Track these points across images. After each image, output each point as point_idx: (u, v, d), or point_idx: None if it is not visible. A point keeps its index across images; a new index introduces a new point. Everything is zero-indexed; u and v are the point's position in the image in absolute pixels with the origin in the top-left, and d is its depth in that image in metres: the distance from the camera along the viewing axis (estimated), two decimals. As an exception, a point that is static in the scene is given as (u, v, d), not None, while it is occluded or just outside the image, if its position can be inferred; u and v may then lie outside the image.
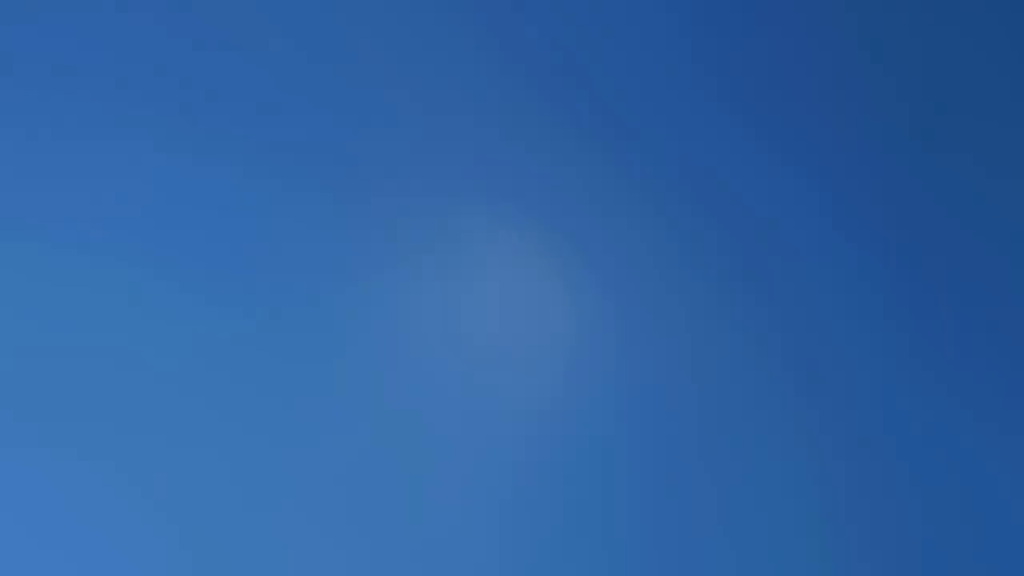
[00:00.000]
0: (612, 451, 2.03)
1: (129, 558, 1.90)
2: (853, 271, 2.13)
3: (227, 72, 1.99)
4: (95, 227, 1.94)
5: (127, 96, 1.96)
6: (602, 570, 2.01)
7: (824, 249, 2.12)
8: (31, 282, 1.92)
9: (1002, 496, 2.13)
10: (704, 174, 2.10)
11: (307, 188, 1.99)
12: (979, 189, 2.18)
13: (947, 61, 2.19)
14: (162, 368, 1.93)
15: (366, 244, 2.00)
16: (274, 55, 2.00)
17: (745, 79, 2.13)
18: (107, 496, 1.90)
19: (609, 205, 2.07)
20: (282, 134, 1.99)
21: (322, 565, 1.95)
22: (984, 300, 2.16)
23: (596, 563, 2.01)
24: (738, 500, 2.06)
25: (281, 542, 1.94)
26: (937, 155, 2.17)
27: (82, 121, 1.95)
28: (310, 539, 1.95)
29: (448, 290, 2.01)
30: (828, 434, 2.09)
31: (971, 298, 2.16)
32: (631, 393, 2.05)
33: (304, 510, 1.95)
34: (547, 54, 2.07)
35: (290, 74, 2.01)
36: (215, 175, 1.97)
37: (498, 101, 2.05)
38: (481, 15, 2.06)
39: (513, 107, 2.05)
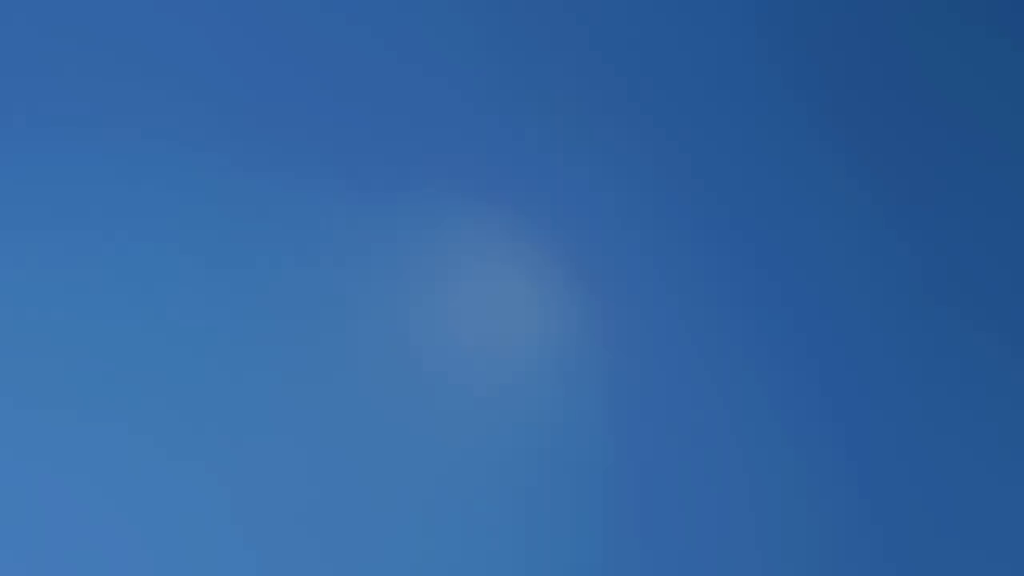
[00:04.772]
0: (601, 454, 2.04)
1: (129, 557, 1.91)
2: (849, 275, 2.12)
3: (230, 69, 1.99)
4: (103, 222, 1.95)
5: (133, 90, 1.97)
6: (586, 572, 2.01)
7: (819, 251, 2.12)
8: (32, 280, 1.93)
9: (1003, 500, 2.12)
10: (700, 176, 2.10)
11: (302, 186, 1.99)
12: (984, 187, 2.17)
13: (945, 56, 2.18)
14: (159, 366, 1.94)
15: (357, 244, 2.00)
16: (275, 51, 2.01)
17: (742, 80, 2.12)
18: (108, 495, 1.91)
19: (603, 207, 2.07)
20: (279, 132, 2.00)
21: (313, 562, 1.95)
22: (986, 304, 2.15)
23: (580, 566, 2.01)
24: (730, 504, 2.06)
25: (274, 540, 1.95)
26: (932, 160, 2.16)
27: (87, 118, 1.96)
28: (303, 536, 1.95)
29: (439, 290, 2.01)
30: (821, 437, 2.09)
31: (970, 301, 2.15)
32: (621, 395, 2.05)
33: (295, 507, 1.95)
34: (541, 54, 2.07)
35: (290, 72, 2.01)
36: (213, 172, 1.98)
37: (493, 102, 2.05)
38: (477, 13, 2.06)
39: (507, 108, 2.05)
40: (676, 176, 2.09)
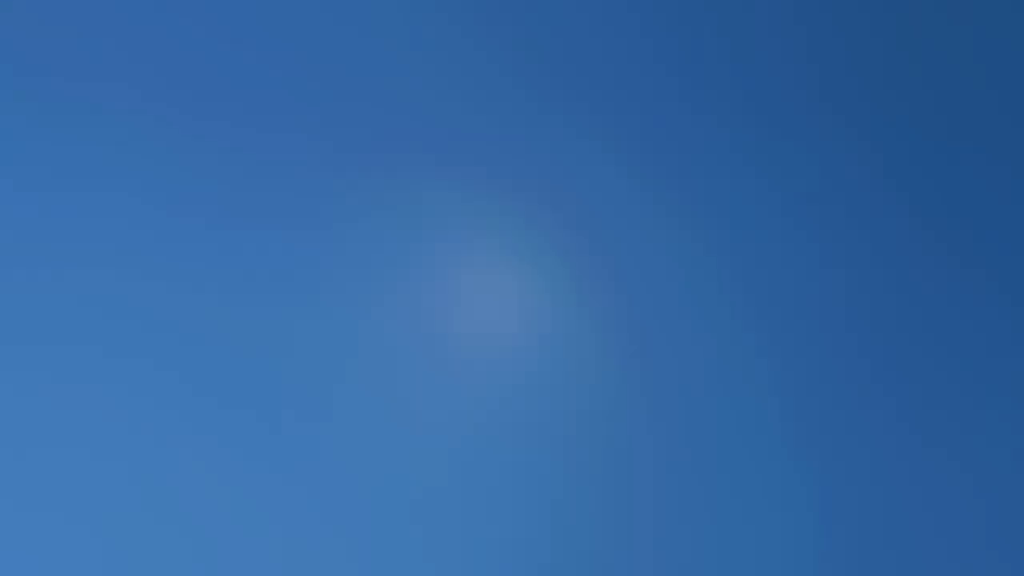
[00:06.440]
0: (617, 452, 2.04)
1: (129, 558, 1.91)
2: (865, 282, 2.12)
3: (230, 67, 1.99)
4: (94, 229, 1.95)
5: (131, 88, 1.97)
6: (594, 571, 2.02)
7: (836, 254, 2.12)
8: (32, 288, 1.93)
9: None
10: (717, 176, 2.10)
11: (312, 184, 1.99)
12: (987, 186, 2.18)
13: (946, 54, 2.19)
14: (156, 370, 1.94)
15: (375, 242, 2.00)
16: (278, 48, 2.01)
17: (762, 81, 2.12)
18: (108, 496, 1.91)
19: (622, 205, 2.06)
20: (286, 129, 2.00)
21: (309, 563, 1.95)
22: (987, 303, 2.16)
23: (591, 565, 2.02)
24: (735, 504, 2.06)
25: (272, 539, 1.95)
26: (950, 163, 2.17)
27: (86, 117, 1.96)
28: (300, 537, 1.95)
29: (454, 287, 2.01)
30: (834, 440, 2.09)
31: (971, 300, 2.16)
32: (638, 393, 2.05)
33: (295, 508, 1.95)
34: (562, 50, 2.07)
35: (296, 69, 2.01)
36: (214, 173, 1.97)
37: (512, 98, 2.05)
38: (498, 10, 2.06)
39: (527, 104, 2.05)
40: (689, 172, 2.09)
